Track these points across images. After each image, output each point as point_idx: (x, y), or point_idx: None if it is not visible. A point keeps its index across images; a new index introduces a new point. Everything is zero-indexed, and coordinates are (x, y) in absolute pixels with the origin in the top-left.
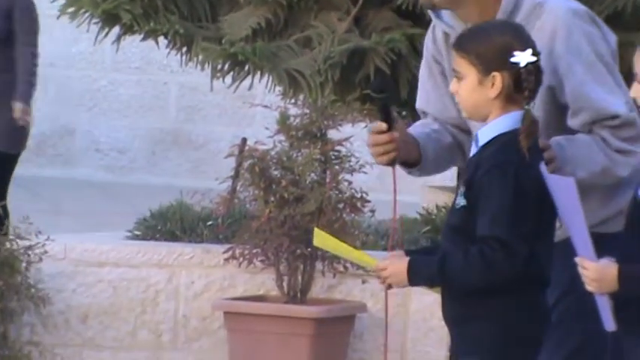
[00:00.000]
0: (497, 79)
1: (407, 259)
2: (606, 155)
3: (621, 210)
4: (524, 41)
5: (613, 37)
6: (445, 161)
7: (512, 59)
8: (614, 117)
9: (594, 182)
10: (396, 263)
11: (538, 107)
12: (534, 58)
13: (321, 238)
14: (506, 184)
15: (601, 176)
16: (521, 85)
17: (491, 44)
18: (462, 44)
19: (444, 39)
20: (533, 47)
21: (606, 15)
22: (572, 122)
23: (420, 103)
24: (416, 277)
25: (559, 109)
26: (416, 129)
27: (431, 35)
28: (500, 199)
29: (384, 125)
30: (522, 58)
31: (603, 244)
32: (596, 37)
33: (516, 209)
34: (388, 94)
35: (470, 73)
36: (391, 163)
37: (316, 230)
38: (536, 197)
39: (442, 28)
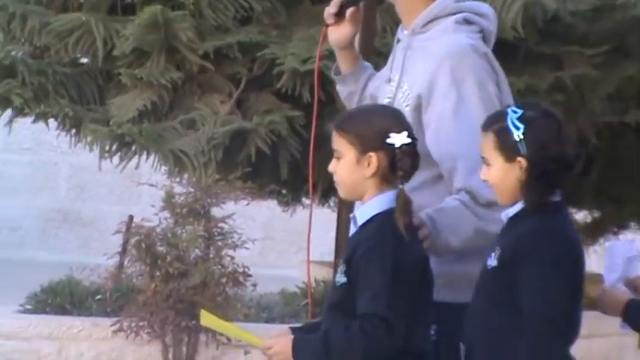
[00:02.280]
0: (373, 158)
1: (291, 337)
2: (476, 216)
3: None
4: (402, 124)
5: (505, 84)
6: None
7: (388, 140)
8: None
9: (471, 245)
10: (281, 342)
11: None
12: (409, 140)
13: (209, 319)
14: (384, 263)
15: (475, 238)
16: (396, 166)
17: (370, 125)
18: (343, 124)
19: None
20: (410, 130)
21: None
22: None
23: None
24: (300, 355)
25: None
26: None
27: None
28: (379, 278)
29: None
30: (397, 139)
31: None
32: (485, 73)
33: (394, 287)
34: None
35: (348, 152)
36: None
37: (203, 311)
38: (413, 275)
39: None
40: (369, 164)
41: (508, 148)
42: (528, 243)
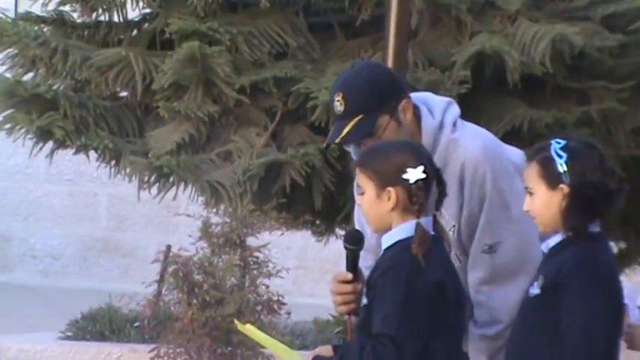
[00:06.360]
0: (392, 193)
1: (310, 355)
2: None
3: None
4: (419, 158)
5: (519, 157)
6: None
7: (404, 176)
8: None
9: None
10: None
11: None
12: (424, 175)
13: (246, 328)
14: (398, 285)
15: None
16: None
17: (387, 162)
18: (363, 161)
19: None
20: (427, 164)
21: (504, 132)
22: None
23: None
24: None
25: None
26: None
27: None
28: (392, 299)
29: (349, 275)
30: (412, 175)
31: None
32: (500, 173)
33: (407, 308)
34: (360, 246)
35: (369, 187)
36: (350, 313)
37: (239, 324)
38: (429, 299)
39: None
40: (389, 199)
41: (551, 176)
42: (571, 271)
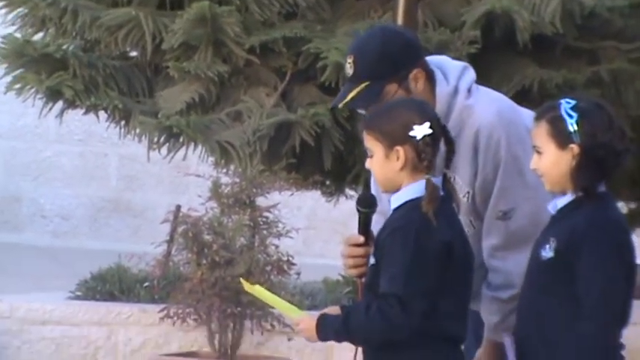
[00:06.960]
0: (401, 152)
1: (318, 314)
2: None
3: None
4: (424, 115)
5: (530, 120)
6: None
7: (411, 133)
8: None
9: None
10: (307, 319)
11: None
12: (430, 131)
13: (253, 290)
14: (406, 244)
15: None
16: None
17: (393, 121)
18: (369, 123)
19: None
20: (433, 120)
21: (514, 92)
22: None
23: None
24: (324, 332)
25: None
26: None
27: None
28: (400, 258)
29: (361, 238)
30: (419, 131)
31: None
32: (515, 139)
33: (415, 268)
34: (372, 209)
35: (377, 149)
36: (360, 276)
37: (246, 285)
38: (437, 259)
39: None
40: (397, 158)
41: (561, 136)
42: (586, 233)
